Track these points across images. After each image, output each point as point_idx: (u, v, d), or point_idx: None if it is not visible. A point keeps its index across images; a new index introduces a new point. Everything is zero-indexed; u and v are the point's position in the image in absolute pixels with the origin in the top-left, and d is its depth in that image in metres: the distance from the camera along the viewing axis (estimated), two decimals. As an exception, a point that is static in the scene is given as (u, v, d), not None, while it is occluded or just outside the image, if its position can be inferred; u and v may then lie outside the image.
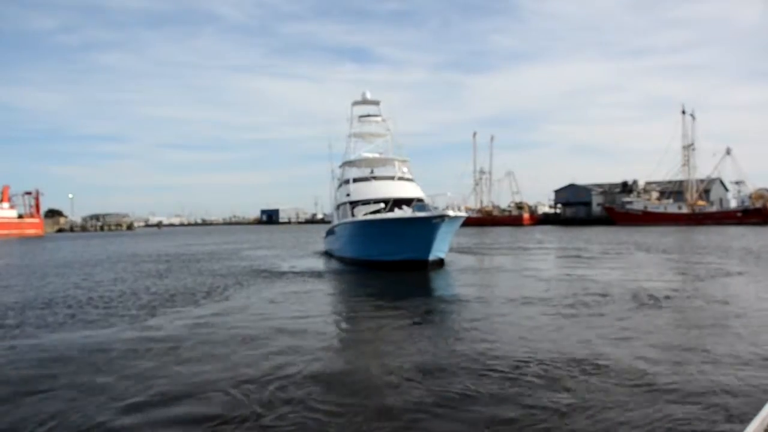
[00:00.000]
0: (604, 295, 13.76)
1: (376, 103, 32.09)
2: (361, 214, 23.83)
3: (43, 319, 12.34)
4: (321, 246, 36.26)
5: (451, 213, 20.64)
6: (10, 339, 10.31)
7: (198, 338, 10.05)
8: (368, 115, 31.77)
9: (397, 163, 29.35)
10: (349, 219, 24.49)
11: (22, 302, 14.97)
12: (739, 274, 18.32)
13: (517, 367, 7.50)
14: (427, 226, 20.84)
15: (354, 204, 25.33)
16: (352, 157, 30.04)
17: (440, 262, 22.60)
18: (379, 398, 6.53)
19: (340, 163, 31.68)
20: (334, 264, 25.67)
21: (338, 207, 28.64)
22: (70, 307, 13.98)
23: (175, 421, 6.01)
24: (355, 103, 32.02)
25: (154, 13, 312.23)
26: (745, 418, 4.48)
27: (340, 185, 29.81)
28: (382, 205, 24.06)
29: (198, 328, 11.00)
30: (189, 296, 15.62)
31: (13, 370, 8.10)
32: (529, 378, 7.06)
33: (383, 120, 31.72)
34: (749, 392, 6.39)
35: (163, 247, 45.96)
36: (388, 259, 21.66)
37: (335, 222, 29.40)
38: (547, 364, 7.61)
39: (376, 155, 30.19)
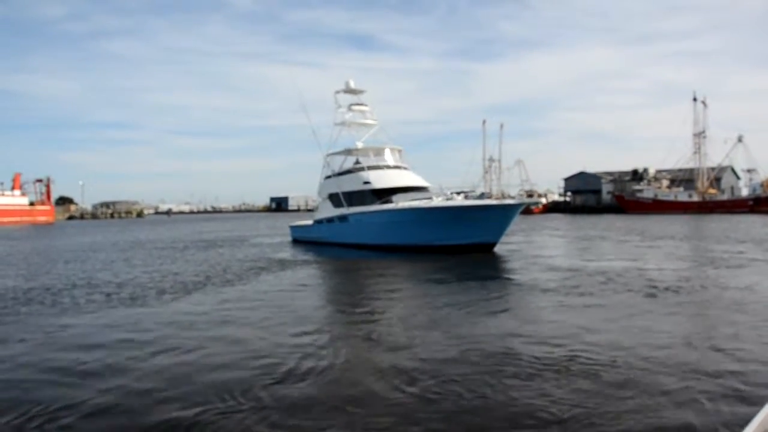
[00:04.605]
0: (625, 283, 14.08)
1: (360, 92, 31.79)
2: (401, 201, 24.47)
3: (90, 297, 12.83)
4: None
5: (543, 200, 22.39)
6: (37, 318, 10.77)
7: (257, 316, 10.52)
8: (357, 104, 31.60)
9: (395, 152, 29.68)
10: (391, 206, 24.67)
11: (64, 285, 15.49)
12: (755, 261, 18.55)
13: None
14: (507, 211, 22.35)
15: (379, 192, 25.63)
16: (358, 145, 30.08)
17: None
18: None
19: (328, 153, 31.50)
20: (353, 251, 25.74)
21: (343, 195, 28.20)
22: (104, 287, 14.45)
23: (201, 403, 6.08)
24: (339, 92, 31.73)
25: (162, 1, 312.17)
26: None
27: (340, 174, 29.48)
28: (451, 192, 24.92)
29: (256, 303, 11.50)
30: (229, 277, 16.07)
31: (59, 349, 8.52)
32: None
33: (370, 110, 31.67)
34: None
35: (180, 235, 46.57)
36: (456, 243, 22.40)
37: (336, 210, 29.05)
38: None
39: (377, 145, 30.25)
